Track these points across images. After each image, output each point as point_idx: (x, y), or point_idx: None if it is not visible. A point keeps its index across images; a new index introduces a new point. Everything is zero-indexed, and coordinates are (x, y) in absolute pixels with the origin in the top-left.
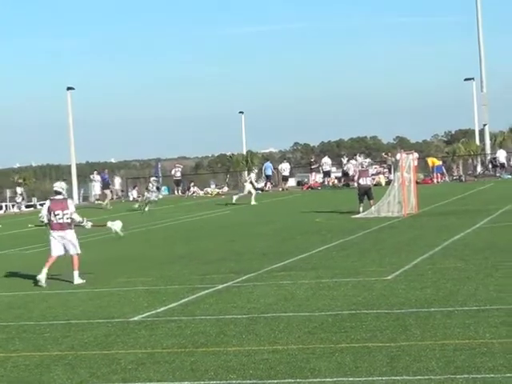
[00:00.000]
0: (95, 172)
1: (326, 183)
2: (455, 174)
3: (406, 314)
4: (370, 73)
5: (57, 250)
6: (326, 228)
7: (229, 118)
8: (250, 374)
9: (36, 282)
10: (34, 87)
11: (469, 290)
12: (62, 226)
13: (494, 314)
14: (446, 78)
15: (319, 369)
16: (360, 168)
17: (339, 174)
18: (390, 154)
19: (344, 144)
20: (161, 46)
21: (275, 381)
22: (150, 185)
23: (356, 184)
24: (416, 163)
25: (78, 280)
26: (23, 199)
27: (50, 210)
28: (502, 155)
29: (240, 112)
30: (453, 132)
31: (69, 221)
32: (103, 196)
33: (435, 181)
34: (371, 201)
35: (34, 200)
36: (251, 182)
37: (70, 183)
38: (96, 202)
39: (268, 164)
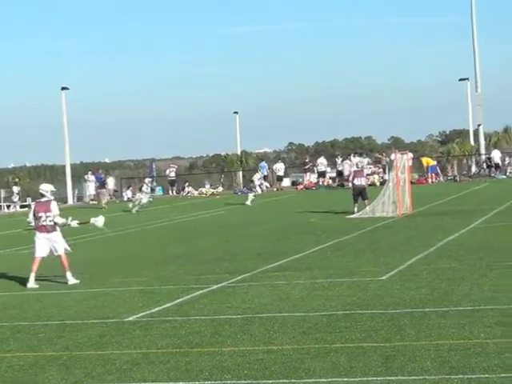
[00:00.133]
0: (89, 172)
1: (321, 183)
2: (450, 174)
3: (401, 314)
4: (368, 73)
5: (41, 251)
6: (320, 228)
7: (223, 118)
8: (244, 374)
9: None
10: (34, 87)
11: (463, 290)
12: (47, 229)
13: (489, 314)
14: (440, 79)
15: (314, 369)
16: (355, 168)
17: (334, 175)
18: (384, 154)
19: (338, 144)
20: (160, 46)
21: (270, 381)
22: (145, 186)
23: (350, 184)
24: (410, 163)
25: (72, 280)
26: (19, 199)
27: (34, 213)
28: (496, 155)
29: (235, 112)
30: (447, 132)
31: (52, 223)
32: (98, 196)
33: (430, 181)
34: (366, 201)
35: (29, 200)
36: (259, 179)
37: (64, 183)
38: (90, 202)
39: (263, 164)
